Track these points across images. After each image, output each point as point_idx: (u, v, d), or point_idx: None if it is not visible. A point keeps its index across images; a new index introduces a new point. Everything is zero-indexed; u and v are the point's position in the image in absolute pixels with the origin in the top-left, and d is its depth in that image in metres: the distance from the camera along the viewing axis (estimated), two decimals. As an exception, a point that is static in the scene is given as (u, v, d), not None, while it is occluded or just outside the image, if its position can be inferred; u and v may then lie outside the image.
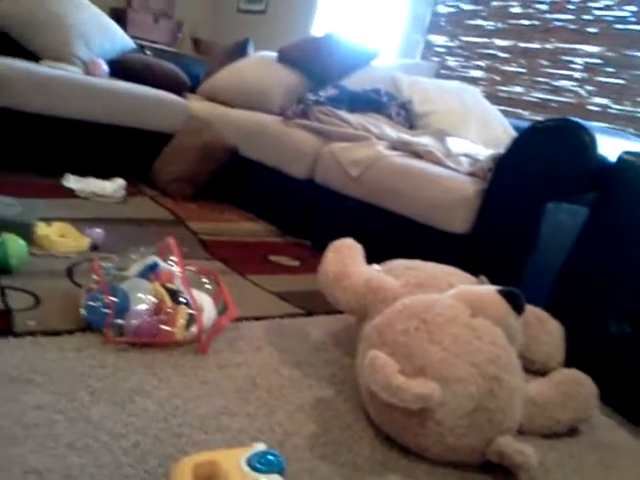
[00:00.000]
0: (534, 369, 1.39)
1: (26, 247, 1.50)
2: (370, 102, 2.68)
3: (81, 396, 1.02)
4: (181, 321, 1.26)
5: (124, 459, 0.89)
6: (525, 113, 3.04)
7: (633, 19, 2.66)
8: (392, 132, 2.38)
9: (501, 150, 1.79)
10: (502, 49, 3.20)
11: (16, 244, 1.47)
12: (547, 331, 1.46)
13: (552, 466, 1.13)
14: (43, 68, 2.64)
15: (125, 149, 2.80)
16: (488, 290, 1.15)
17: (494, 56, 3.24)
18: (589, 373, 1.28)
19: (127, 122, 2.77)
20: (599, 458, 1.21)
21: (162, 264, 1.40)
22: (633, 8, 2.66)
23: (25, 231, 1.58)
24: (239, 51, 3.68)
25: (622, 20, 2.70)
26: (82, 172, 2.53)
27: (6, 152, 2.50)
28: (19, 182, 2.32)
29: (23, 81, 2.47)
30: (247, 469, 0.78)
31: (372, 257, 1.46)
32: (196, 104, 3.09)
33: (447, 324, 1.08)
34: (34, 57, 2.85)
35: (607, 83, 2.73)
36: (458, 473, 1.04)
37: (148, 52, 3.63)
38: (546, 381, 1.26)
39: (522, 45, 3.10)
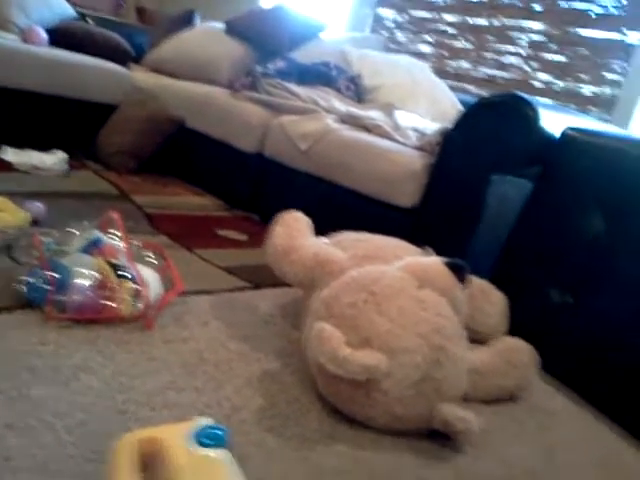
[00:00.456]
0: (478, 339, 1.42)
1: (-40, 222, 1.44)
2: (319, 75, 2.66)
3: (22, 375, 0.99)
4: (126, 297, 1.23)
5: (67, 438, 0.87)
6: (472, 88, 3.07)
7: (576, -4, 2.71)
8: (341, 106, 2.37)
9: (449, 125, 1.81)
10: (450, 25, 3.22)
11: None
12: (491, 302, 1.50)
13: (494, 431, 1.17)
14: (-27, 35, 2.50)
15: (66, 121, 2.69)
16: (435, 262, 1.17)
17: (443, 32, 3.25)
18: (530, 342, 1.32)
19: (68, 92, 2.66)
20: (538, 422, 1.26)
21: (105, 239, 1.37)
22: (577, -15, 2.71)
23: (-42, 206, 1.51)
24: (185, 22, 3.58)
25: (566, -3, 2.75)
26: (21, 144, 2.42)
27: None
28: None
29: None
30: (191, 444, 0.77)
31: (321, 231, 1.45)
32: (140, 75, 3.00)
33: (394, 296, 1.09)
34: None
35: (551, 60, 2.78)
36: (404, 441, 1.06)
37: (90, 21, 3.49)
38: (489, 350, 1.29)
39: (470, 21, 3.12)
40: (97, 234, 1.37)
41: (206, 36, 3.19)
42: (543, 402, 1.35)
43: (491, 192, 1.63)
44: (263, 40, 3.01)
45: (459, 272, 1.14)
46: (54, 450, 0.84)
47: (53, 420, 0.90)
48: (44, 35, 2.83)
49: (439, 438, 1.07)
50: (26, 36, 2.77)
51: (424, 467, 1.01)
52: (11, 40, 2.64)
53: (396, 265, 1.19)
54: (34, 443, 0.84)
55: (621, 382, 1.35)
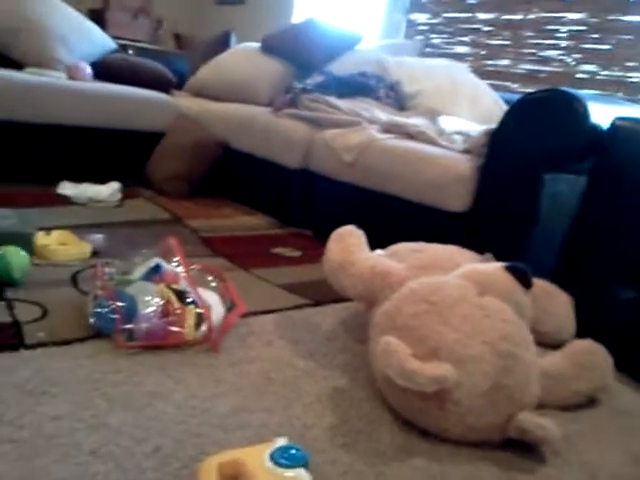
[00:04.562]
0: (546, 342, 1.39)
1: (27, 258, 1.49)
2: (358, 86, 2.67)
3: (98, 403, 1.02)
4: (190, 321, 1.25)
5: (147, 463, 0.89)
6: (515, 86, 3.03)
7: (615, -17, 2.65)
8: (382, 115, 2.37)
9: (493, 125, 1.79)
10: (486, 23, 3.18)
11: (17, 256, 1.46)
12: (556, 303, 1.47)
13: (574, 438, 1.14)
14: (26, 76, 2.60)
15: (117, 151, 2.78)
16: (494, 267, 1.16)
17: (478, 30, 3.22)
18: (602, 342, 1.28)
19: (116, 124, 2.74)
20: (620, 426, 1.22)
21: (165, 265, 1.40)
22: (614, -28, 2.65)
23: (25, 242, 1.57)
24: (221, 44, 3.65)
25: (604, -15, 2.69)
26: (77, 178, 2.51)
27: (-2, 164, 2.48)
28: (14, 193, 2.30)
29: (7, 90, 2.44)
30: (271, 465, 0.78)
31: (374, 242, 1.45)
32: (184, 101, 3.07)
33: (456, 305, 1.08)
34: (18, 65, 2.82)
35: (593, 49, 2.72)
36: (481, 452, 1.04)
37: (130, 51, 3.59)
38: (560, 354, 1.26)
39: (505, 17, 3.08)
40: (157, 261, 1.40)
41: (243, 57, 3.24)
42: (623, 404, 1.31)
43: (545, 192, 1.60)
44: (299, 56, 3.04)
45: (521, 276, 1.13)
46: (135, 475, 0.86)
47: (132, 446, 0.92)
48: (89, 70, 2.93)
49: (515, 448, 1.05)
50: (72, 73, 2.86)
51: (506, 479, 0.99)
52: (58, 78, 2.74)
53: (455, 273, 1.19)
54: (117, 469, 0.87)
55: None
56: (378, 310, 1.20)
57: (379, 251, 1.44)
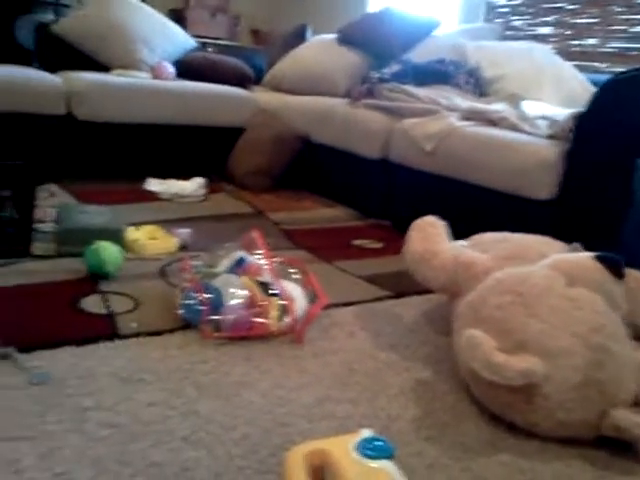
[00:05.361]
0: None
1: (120, 252, 1.57)
2: (436, 73, 2.62)
3: (189, 392, 1.06)
4: (274, 312, 1.28)
5: (235, 450, 0.92)
6: (603, 66, 2.88)
7: None
8: (463, 102, 2.32)
9: (580, 108, 1.71)
10: (570, 1, 3.04)
11: (110, 250, 1.54)
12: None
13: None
14: (113, 77, 2.73)
15: (200, 148, 2.87)
16: (584, 257, 1.11)
17: (562, 9, 3.08)
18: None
19: (198, 121, 2.84)
20: None
21: (249, 258, 1.43)
22: None
23: (117, 237, 1.65)
24: (298, 37, 3.68)
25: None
26: (162, 175, 2.61)
27: (89, 162, 2.61)
28: (105, 190, 2.42)
29: (96, 92, 2.57)
30: (357, 456, 0.78)
31: (456, 233, 1.43)
32: (262, 95, 3.12)
33: (543, 295, 1.05)
34: (104, 68, 2.96)
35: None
36: (572, 449, 1.01)
37: (210, 49, 3.68)
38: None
39: (592, -6, 2.94)
40: (241, 254, 1.44)
41: (319, 49, 3.25)
42: None
43: (638, 176, 1.52)
44: (376, 45, 3.02)
45: (612, 266, 1.08)
46: (226, 462, 0.89)
47: (221, 434, 0.95)
48: (171, 69, 3.04)
49: (609, 445, 1.01)
50: (156, 72, 2.98)
51: (600, 478, 0.95)
52: (142, 78, 2.86)
53: (542, 263, 1.15)
54: (208, 455, 0.90)
55: None
56: (461, 301, 1.18)
57: (462, 241, 1.42)
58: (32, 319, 1.28)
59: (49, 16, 3.16)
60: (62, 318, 1.30)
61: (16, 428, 0.91)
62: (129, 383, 1.07)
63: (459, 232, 1.45)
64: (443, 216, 1.43)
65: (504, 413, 1.04)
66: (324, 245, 2.00)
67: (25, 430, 0.91)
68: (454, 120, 2.09)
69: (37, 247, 1.65)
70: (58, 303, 1.37)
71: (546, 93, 2.46)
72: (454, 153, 2.00)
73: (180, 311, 1.32)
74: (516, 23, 3.33)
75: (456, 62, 2.69)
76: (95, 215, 1.75)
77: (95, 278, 1.52)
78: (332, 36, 3.27)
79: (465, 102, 2.32)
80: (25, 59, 2.95)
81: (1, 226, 1.60)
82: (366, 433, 0.83)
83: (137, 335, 1.25)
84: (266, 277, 1.37)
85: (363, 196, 2.48)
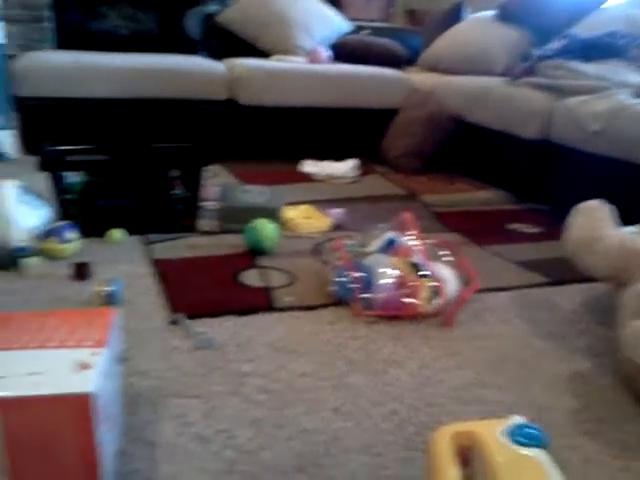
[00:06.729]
0: None
1: (277, 230, 1.65)
2: (606, 48, 2.41)
3: (339, 365, 1.10)
4: (424, 294, 1.28)
5: (384, 425, 0.94)
6: None
7: None
8: (636, 77, 2.13)
9: None
10: None
11: (268, 228, 1.63)
12: None
13: None
14: (272, 63, 2.86)
15: (353, 130, 2.91)
16: None
17: None
18: None
19: (353, 103, 2.88)
20: None
21: (400, 239, 1.44)
22: None
23: (274, 215, 1.74)
24: (454, 16, 3.58)
25: None
26: (317, 156, 2.69)
27: (249, 144, 2.76)
28: (263, 171, 2.54)
29: (256, 78, 2.70)
30: (507, 441, 0.77)
31: (624, 219, 1.33)
32: (416, 76, 3.09)
33: None
34: (264, 54, 3.09)
35: None
36: None
37: (365, 31, 3.69)
38: None
39: None
40: (392, 235, 1.45)
41: (477, 27, 3.15)
42: None
43: None
44: (539, 21, 2.86)
45: None
46: (374, 435, 0.92)
47: (370, 408, 0.98)
48: (327, 54, 3.11)
49: None
50: (312, 57, 3.06)
51: None
52: (299, 63, 2.95)
53: None
54: (357, 427, 0.93)
55: None
56: (628, 291, 1.10)
57: (631, 227, 1.31)
58: (198, 289, 1.40)
59: (215, 7, 3.34)
60: (224, 289, 1.41)
61: (183, 387, 1.01)
62: (284, 353, 1.13)
63: (628, 219, 1.35)
64: (610, 201, 1.34)
65: (674, 414, 0.97)
66: (477, 228, 1.95)
67: (192, 389, 1.00)
68: (625, 98, 1.94)
69: (202, 223, 1.78)
70: (221, 276, 1.47)
71: None
72: (624, 133, 1.85)
73: (332, 288, 1.36)
74: None
75: (629, 34, 2.46)
76: (255, 194, 1.85)
77: (254, 253, 1.61)
78: (489, 13, 3.15)
79: (638, 77, 2.13)
80: (191, 49, 3.17)
81: (172, 203, 1.74)
82: (518, 420, 0.80)
83: (292, 309, 1.31)
84: (417, 258, 1.36)
85: (519, 179, 2.37)
